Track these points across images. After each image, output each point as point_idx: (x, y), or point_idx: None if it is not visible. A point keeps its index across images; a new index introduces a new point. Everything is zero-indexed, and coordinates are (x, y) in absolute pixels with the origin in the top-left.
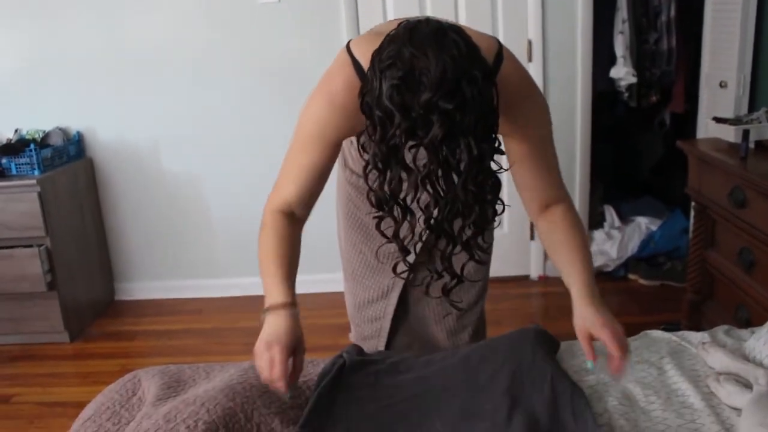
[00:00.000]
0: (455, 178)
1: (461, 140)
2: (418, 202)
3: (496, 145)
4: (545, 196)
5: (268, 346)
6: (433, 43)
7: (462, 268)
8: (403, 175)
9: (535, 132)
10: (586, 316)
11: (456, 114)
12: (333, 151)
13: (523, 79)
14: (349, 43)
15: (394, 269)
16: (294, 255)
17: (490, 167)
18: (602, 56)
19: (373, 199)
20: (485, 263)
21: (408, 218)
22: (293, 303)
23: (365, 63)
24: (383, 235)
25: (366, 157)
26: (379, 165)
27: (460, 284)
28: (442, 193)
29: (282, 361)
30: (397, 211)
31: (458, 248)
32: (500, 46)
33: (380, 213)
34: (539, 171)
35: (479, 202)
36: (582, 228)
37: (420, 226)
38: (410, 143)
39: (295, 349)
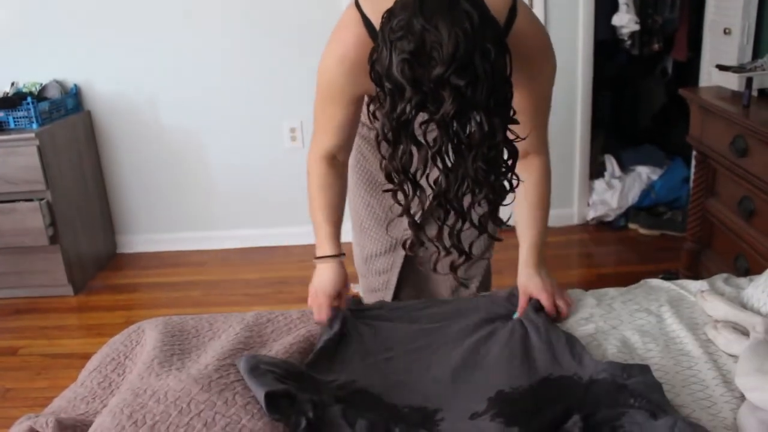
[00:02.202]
0: (466, 153)
1: (473, 115)
2: (427, 177)
3: (511, 114)
4: (529, 145)
5: (316, 295)
6: (446, 14)
7: (471, 246)
8: (413, 149)
9: (538, 88)
10: (528, 277)
11: (468, 89)
12: (356, 106)
13: (537, 35)
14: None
15: (403, 246)
16: (339, 201)
17: (505, 138)
18: (604, 3)
19: (383, 169)
20: (499, 239)
21: (418, 194)
22: (338, 254)
23: (376, 20)
24: (398, 203)
25: (377, 125)
26: (389, 137)
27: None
28: (451, 169)
29: (327, 310)
30: (407, 186)
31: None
32: (514, 1)
33: (391, 187)
34: (531, 122)
35: (491, 177)
36: (549, 187)
37: (429, 200)
38: (421, 118)
39: (339, 293)
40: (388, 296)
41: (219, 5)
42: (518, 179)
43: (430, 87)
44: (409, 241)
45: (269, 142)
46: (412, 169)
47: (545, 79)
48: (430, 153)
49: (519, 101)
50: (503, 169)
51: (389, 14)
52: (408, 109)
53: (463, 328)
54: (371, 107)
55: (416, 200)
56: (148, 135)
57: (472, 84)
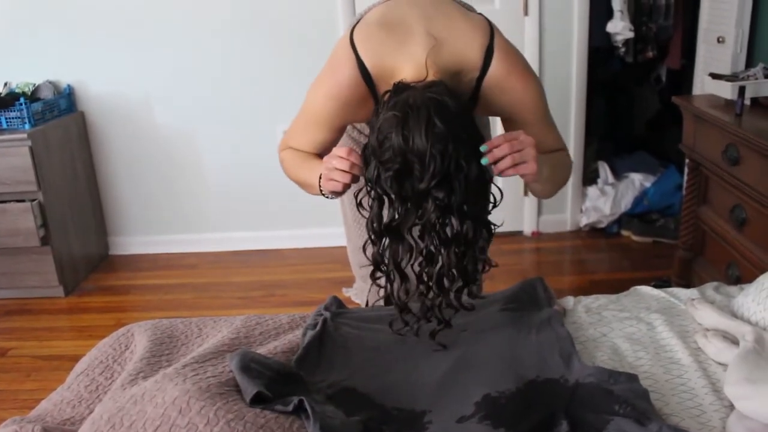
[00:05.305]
0: (445, 247)
1: (450, 218)
2: (411, 266)
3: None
4: (553, 146)
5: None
6: (423, 136)
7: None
8: (396, 244)
9: (532, 103)
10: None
11: (446, 199)
12: (339, 133)
13: (515, 68)
14: (352, 34)
15: (390, 325)
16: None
17: (483, 224)
18: (599, 10)
19: (369, 255)
20: (471, 309)
21: (403, 280)
22: None
23: (369, 62)
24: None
25: (365, 214)
26: (375, 229)
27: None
28: (433, 259)
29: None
30: (393, 274)
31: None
32: (491, 38)
33: (379, 274)
34: (541, 128)
35: (465, 264)
36: (568, 161)
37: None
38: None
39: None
40: (367, 288)
41: (213, 8)
42: (489, 263)
43: (414, 197)
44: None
45: (262, 144)
46: (398, 259)
47: (534, 96)
48: (415, 248)
49: (521, 119)
50: (475, 253)
51: (378, 129)
52: (394, 216)
53: (449, 330)
54: (359, 196)
55: (402, 286)
56: (141, 137)
57: (449, 194)
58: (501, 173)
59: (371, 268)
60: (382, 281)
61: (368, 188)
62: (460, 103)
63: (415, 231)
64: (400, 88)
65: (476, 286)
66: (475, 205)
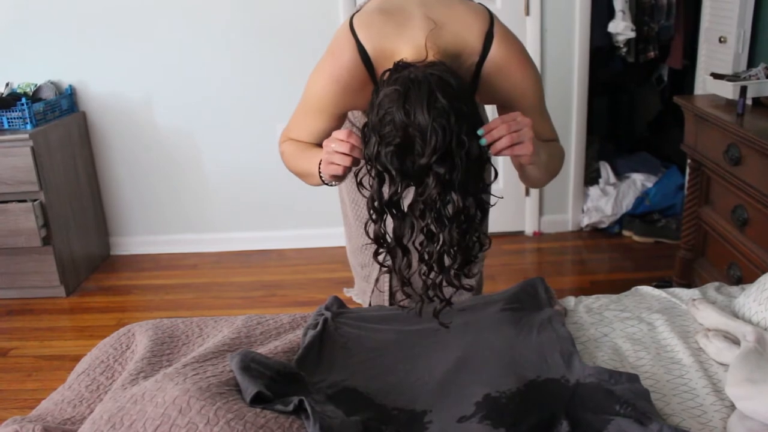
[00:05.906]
0: (446, 224)
1: (451, 194)
2: (413, 243)
3: (487, 182)
4: (547, 135)
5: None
6: (425, 110)
7: (451, 295)
8: (398, 219)
9: (530, 91)
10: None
11: (447, 174)
12: (338, 121)
13: (514, 53)
14: (352, 20)
15: (391, 300)
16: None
17: (479, 204)
18: (600, 10)
19: (371, 233)
20: (471, 290)
21: (405, 255)
22: None
23: (369, 47)
24: (382, 264)
25: (365, 193)
26: (377, 207)
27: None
28: (434, 236)
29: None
30: (396, 251)
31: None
32: (491, 24)
33: (379, 249)
34: (539, 115)
35: (466, 241)
36: (561, 152)
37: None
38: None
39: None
40: (369, 289)
41: (214, 8)
42: (489, 240)
43: (415, 173)
44: (395, 293)
45: (263, 144)
46: (399, 235)
47: (532, 83)
48: (416, 224)
49: (518, 106)
50: (476, 231)
51: (378, 105)
52: (395, 191)
53: (451, 329)
54: (359, 175)
55: (405, 261)
56: (142, 137)
57: (450, 170)
58: (498, 153)
59: (372, 267)
60: (384, 268)
61: (368, 166)
62: (461, 82)
63: (416, 210)
64: (401, 66)
65: (476, 265)
66: (476, 183)
